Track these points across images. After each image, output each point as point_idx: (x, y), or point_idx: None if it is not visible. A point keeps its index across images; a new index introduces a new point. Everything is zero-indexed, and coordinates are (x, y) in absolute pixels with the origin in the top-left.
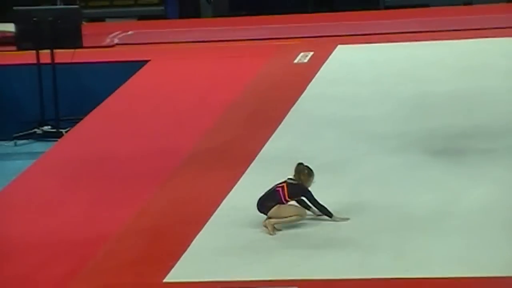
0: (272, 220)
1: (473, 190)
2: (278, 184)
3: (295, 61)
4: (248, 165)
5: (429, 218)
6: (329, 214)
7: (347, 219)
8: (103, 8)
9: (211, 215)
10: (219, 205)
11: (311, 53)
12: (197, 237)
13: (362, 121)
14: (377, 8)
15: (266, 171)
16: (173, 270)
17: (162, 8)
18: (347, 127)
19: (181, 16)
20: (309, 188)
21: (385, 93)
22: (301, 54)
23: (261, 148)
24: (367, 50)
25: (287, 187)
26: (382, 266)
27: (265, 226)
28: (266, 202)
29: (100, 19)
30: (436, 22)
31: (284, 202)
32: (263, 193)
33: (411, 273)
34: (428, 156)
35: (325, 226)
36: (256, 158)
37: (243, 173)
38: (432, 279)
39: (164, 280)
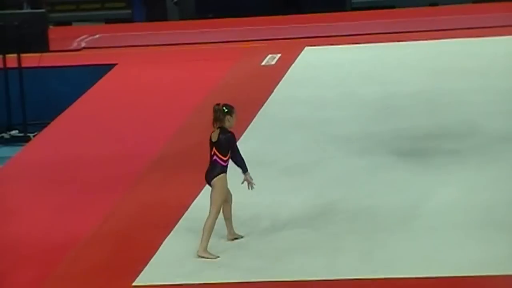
0: (203, 247)
1: (439, 191)
2: (211, 151)
3: (263, 63)
4: None
5: (396, 219)
6: (244, 169)
7: (252, 183)
8: (69, 12)
9: (179, 218)
10: (187, 208)
11: (279, 55)
12: (166, 240)
13: (328, 123)
14: (343, 9)
15: (234, 173)
16: (141, 274)
17: (129, 11)
18: (313, 129)
19: (148, 20)
20: (230, 134)
21: (351, 95)
22: (269, 56)
23: None
24: (333, 51)
25: (216, 149)
26: (349, 267)
27: (201, 257)
28: (211, 173)
29: (67, 23)
30: (402, 23)
31: (225, 164)
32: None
33: (379, 273)
34: (394, 158)
35: (293, 229)
36: None
37: None
38: (399, 279)
39: (133, 284)
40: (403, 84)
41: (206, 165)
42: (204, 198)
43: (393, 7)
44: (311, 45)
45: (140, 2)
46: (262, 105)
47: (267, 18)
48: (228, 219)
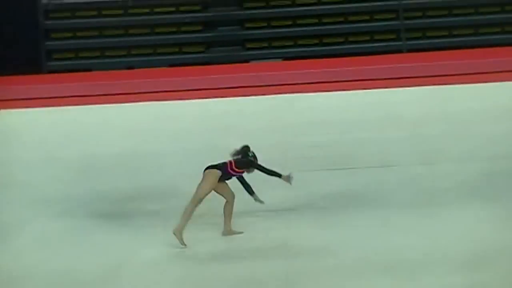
0: (180, 226)
1: (141, 251)
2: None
3: None
4: None
5: (96, 281)
6: (278, 174)
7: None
8: None
9: None
10: None
11: None
12: None
13: (27, 186)
14: (39, 72)
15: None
16: None
17: None
18: (11, 192)
19: None
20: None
21: (50, 157)
22: None
23: None
24: (31, 114)
25: (234, 161)
26: None
27: (174, 234)
28: (210, 165)
29: None
30: (102, 86)
31: (231, 171)
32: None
33: None
34: (95, 220)
35: None
36: None
37: None
38: None
39: None
40: (104, 145)
41: None
42: None
43: (89, 70)
44: (6, 108)
45: None
46: None
47: None
48: (227, 216)
